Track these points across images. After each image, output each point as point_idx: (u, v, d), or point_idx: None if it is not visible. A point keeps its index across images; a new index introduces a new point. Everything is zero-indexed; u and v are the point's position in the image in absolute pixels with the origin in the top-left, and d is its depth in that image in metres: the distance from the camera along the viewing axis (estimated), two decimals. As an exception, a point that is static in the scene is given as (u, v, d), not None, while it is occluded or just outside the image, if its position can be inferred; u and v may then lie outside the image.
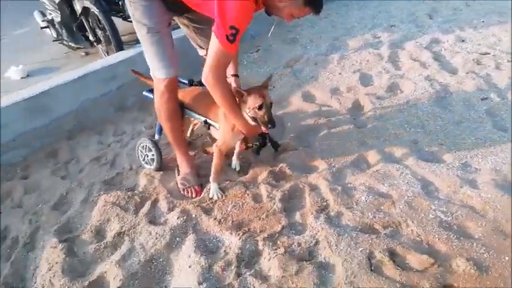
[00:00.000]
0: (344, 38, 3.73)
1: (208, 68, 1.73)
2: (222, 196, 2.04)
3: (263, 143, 2.19)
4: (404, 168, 2.08)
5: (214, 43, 1.67)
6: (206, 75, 1.75)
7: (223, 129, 1.99)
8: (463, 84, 2.77)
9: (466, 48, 3.23)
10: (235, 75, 2.10)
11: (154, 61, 1.97)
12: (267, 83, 1.93)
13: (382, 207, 1.87)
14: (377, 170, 2.10)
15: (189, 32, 2.21)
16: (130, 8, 1.91)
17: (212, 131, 2.14)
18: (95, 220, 1.99)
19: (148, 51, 1.96)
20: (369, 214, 1.83)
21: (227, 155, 2.18)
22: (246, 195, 2.01)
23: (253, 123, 1.88)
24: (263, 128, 1.85)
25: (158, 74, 1.98)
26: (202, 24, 2.08)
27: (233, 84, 2.04)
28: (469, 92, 2.68)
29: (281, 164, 2.20)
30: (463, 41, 3.36)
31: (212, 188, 2.07)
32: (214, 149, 2.03)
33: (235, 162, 2.27)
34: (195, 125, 2.46)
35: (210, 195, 2.06)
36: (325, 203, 1.93)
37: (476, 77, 2.81)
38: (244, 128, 1.90)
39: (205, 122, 2.09)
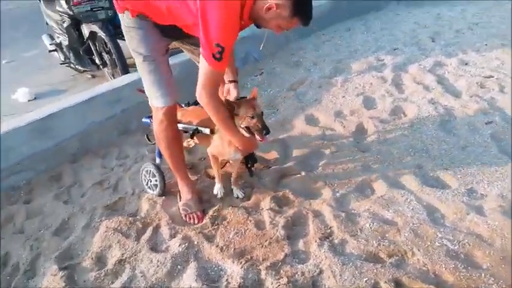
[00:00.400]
0: (347, 61, 3.76)
1: (201, 86, 1.74)
2: (222, 194, 2.20)
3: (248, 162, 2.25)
4: (409, 194, 2.06)
5: (203, 63, 1.69)
6: (199, 94, 1.77)
7: (220, 137, 2.01)
8: (467, 107, 2.76)
9: (469, 72, 3.23)
10: (234, 81, 2.08)
11: (151, 90, 1.96)
12: (255, 93, 1.94)
13: (387, 235, 1.84)
14: (381, 196, 2.08)
15: (192, 54, 2.22)
16: (127, 37, 1.92)
17: (201, 140, 2.20)
18: (96, 246, 1.97)
19: (146, 79, 1.96)
20: (374, 242, 1.80)
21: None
22: (249, 222, 1.99)
23: (248, 135, 1.89)
24: (258, 138, 1.86)
25: (156, 102, 1.98)
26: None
27: (232, 91, 2.05)
28: (473, 115, 2.67)
29: (284, 189, 2.19)
30: (466, 64, 3.37)
31: (216, 187, 2.21)
32: (208, 154, 2.12)
33: (235, 190, 2.24)
34: (189, 145, 2.45)
35: (214, 192, 2.21)
36: (329, 230, 1.90)
37: (481, 101, 2.80)
38: (241, 143, 1.90)
39: (197, 130, 2.10)
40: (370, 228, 1.88)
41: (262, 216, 2.04)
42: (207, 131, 2.07)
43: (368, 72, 3.47)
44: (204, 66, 1.69)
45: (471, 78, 3.12)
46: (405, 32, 4.33)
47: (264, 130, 1.84)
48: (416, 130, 2.62)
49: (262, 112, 1.89)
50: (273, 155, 2.56)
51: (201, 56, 1.68)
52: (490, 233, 1.78)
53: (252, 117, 1.84)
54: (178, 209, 2.16)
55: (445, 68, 3.37)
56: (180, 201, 2.19)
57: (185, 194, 2.19)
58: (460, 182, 2.12)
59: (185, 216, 2.12)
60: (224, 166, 2.34)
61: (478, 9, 4.90)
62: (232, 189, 2.24)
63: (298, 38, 4.44)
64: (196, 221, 2.09)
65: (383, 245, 1.78)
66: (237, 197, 2.22)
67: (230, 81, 2.07)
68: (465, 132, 2.52)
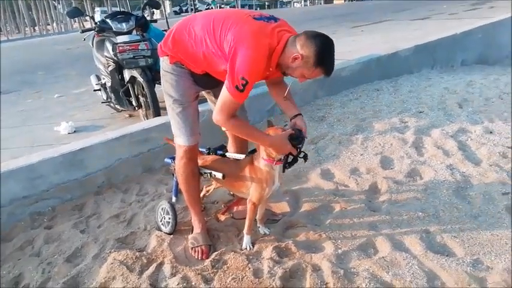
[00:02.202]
0: (371, 120, 3.82)
1: (218, 112, 1.90)
2: (251, 248, 2.19)
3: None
4: (411, 258, 2.03)
5: (224, 91, 1.87)
6: (215, 118, 1.92)
7: (256, 184, 2.12)
8: (486, 176, 2.72)
9: (493, 140, 3.20)
10: (300, 114, 2.14)
11: (176, 129, 2.18)
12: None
13: (382, 298, 1.82)
14: (383, 257, 2.06)
15: (213, 105, 2.40)
16: (162, 79, 2.17)
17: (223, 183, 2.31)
18: (101, 277, 2.07)
19: (172, 119, 2.19)
20: (368, 303, 1.78)
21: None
22: (247, 269, 2.03)
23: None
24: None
25: (179, 141, 2.19)
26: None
27: (300, 123, 2.08)
28: (490, 185, 2.62)
29: (287, 241, 2.22)
30: (490, 132, 3.34)
31: (245, 240, 2.22)
32: (248, 205, 2.16)
33: (262, 228, 2.34)
34: (208, 191, 2.57)
35: (243, 247, 2.20)
36: (324, 286, 1.90)
37: (500, 171, 2.76)
38: (273, 144, 1.98)
39: (210, 174, 2.25)
40: (366, 288, 1.86)
41: (261, 264, 2.07)
42: (219, 175, 2.20)
43: (390, 132, 3.51)
44: (224, 95, 1.87)
45: (493, 148, 3.08)
46: (433, 96, 4.36)
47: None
48: (430, 194, 2.60)
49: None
50: (283, 207, 2.62)
51: (223, 88, 1.87)
52: (490, 307, 1.72)
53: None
54: (187, 242, 2.27)
55: (468, 134, 3.36)
56: (191, 233, 2.31)
57: (196, 227, 2.32)
58: (466, 251, 2.07)
59: (191, 249, 2.23)
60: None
61: (513, 79, 4.87)
62: (258, 228, 2.34)
63: (326, 94, 4.58)
64: (200, 256, 2.18)
65: (377, 307, 1.76)
66: (264, 234, 2.31)
67: (296, 115, 2.12)
68: (480, 201, 2.48)
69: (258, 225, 2.35)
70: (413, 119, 3.76)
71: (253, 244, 2.23)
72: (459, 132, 3.41)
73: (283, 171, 2.16)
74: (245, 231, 2.22)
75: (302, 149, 2.09)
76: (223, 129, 2.39)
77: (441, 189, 2.64)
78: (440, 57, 5.88)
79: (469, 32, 6.30)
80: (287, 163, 2.11)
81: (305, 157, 2.11)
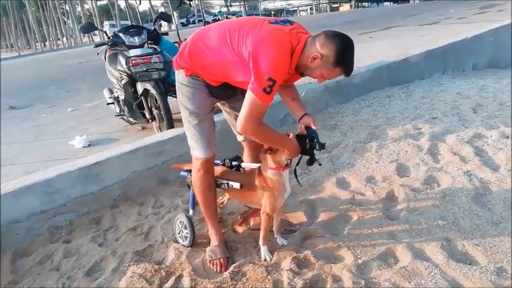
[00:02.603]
0: (384, 127, 3.80)
1: (246, 119, 1.83)
2: (271, 259, 2.17)
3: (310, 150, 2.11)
4: (433, 267, 2.00)
5: (249, 97, 1.82)
6: (244, 126, 1.85)
7: (267, 194, 2.12)
8: (505, 182, 2.68)
9: (510, 145, 3.15)
10: (307, 114, 2.16)
11: (192, 141, 2.20)
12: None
13: (406, 308, 1.79)
14: (404, 267, 2.03)
15: (230, 118, 2.42)
16: (178, 92, 2.18)
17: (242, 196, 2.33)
18: (120, 290, 2.07)
19: (188, 131, 2.20)
20: (391, 314, 1.75)
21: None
22: (267, 281, 2.02)
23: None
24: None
25: (195, 153, 2.20)
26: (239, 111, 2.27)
27: (308, 120, 2.10)
28: (510, 190, 2.58)
29: (306, 251, 2.20)
30: (507, 137, 3.30)
31: (262, 250, 2.21)
32: (261, 216, 2.16)
33: (279, 239, 2.32)
34: (222, 203, 2.57)
35: (262, 258, 2.19)
36: (346, 297, 1.88)
37: (519, 176, 2.72)
38: (293, 147, 2.02)
39: (227, 184, 2.26)
40: (389, 299, 1.83)
41: (281, 276, 2.06)
42: (237, 185, 2.21)
43: (404, 139, 3.48)
44: (250, 101, 1.81)
45: (511, 152, 3.04)
46: (446, 102, 4.33)
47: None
48: (449, 201, 2.57)
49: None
50: (299, 217, 2.60)
51: (248, 92, 1.83)
52: (518, 317, 1.68)
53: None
54: (204, 255, 2.26)
55: (484, 140, 3.32)
56: (209, 246, 2.30)
57: (213, 240, 2.31)
58: (489, 259, 2.03)
59: (209, 262, 2.22)
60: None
61: (527, 82, 4.82)
62: (276, 239, 2.32)
63: (338, 103, 4.57)
64: (219, 268, 2.17)
65: (400, 318, 1.73)
66: (282, 245, 2.29)
67: (304, 115, 2.13)
68: (500, 208, 2.44)
69: (275, 236, 2.33)
70: (427, 125, 3.73)
71: (287, 242, 2.26)
72: (475, 137, 3.38)
73: (311, 164, 2.13)
74: (261, 242, 2.22)
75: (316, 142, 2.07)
76: (239, 139, 2.40)
77: (460, 196, 2.61)
78: (451, 62, 5.86)
79: (479, 35, 6.28)
80: (308, 161, 2.11)
81: (322, 146, 2.08)
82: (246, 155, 2.47)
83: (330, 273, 2.04)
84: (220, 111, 2.51)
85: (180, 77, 2.14)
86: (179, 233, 2.43)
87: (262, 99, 1.80)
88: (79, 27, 4.37)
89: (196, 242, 2.41)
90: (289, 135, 2.04)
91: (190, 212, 2.46)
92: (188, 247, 2.36)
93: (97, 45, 4.26)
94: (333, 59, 1.82)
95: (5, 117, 6.18)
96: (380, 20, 13.31)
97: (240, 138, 2.42)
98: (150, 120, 4.05)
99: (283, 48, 1.82)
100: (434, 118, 3.90)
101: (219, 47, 1.96)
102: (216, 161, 2.40)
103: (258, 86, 1.78)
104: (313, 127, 2.07)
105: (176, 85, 2.18)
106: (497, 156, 3.05)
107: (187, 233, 2.37)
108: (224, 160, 2.43)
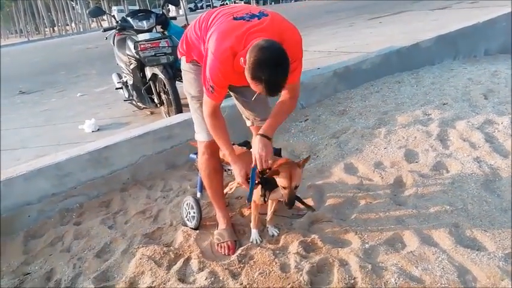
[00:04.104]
0: (393, 113, 3.77)
1: (203, 106, 2.01)
2: (260, 241, 2.22)
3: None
4: (441, 252, 2.00)
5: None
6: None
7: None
8: (515, 168, 2.66)
9: (521, 132, 3.12)
10: (263, 136, 2.02)
11: (196, 125, 2.24)
12: (304, 163, 2.01)
13: (412, 292, 1.80)
14: (412, 252, 2.04)
15: (238, 103, 2.42)
16: (183, 77, 2.25)
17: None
18: (130, 272, 2.11)
19: (193, 116, 2.25)
20: (397, 298, 1.77)
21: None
22: (274, 264, 2.04)
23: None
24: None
25: (199, 137, 2.24)
26: (247, 98, 2.27)
27: (255, 145, 1.97)
28: (520, 177, 2.56)
29: (313, 235, 2.22)
30: (519, 123, 3.25)
31: (252, 234, 2.26)
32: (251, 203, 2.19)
33: (271, 229, 2.32)
34: (231, 188, 2.59)
35: (251, 240, 2.24)
36: (352, 281, 1.89)
37: (530, 163, 2.69)
38: (232, 159, 2.05)
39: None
40: (396, 283, 1.84)
41: (288, 259, 2.07)
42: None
43: (413, 125, 3.45)
44: (204, 95, 1.97)
45: (522, 139, 3.00)
46: (457, 87, 4.27)
47: (287, 205, 1.95)
48: (457, 188, 2.55)
49: (297, 186, 1.95)
50: (308, 202, 2.60)
51: None
52: (525, 302, 1.68)
53: (284, 188, 1.94)
54: (212, 238, 2.29)
55: (495, 126, 3.27)
56: (217, 229, 2.33)
57: (221, 223, 2.34)
58: (498, 245, 2.03)
59: (217, 245, 2.25)
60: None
61: (540, 68, 4.73)
62: (267, 229, 2.32)
63: (346, 88, 4.53)
64: (227, 251, 2.20)
65: (407, 302, 1.74)
66: (273, 235, 2.29)
67: (260, 135, 1.98)
68: (509, 194, 2.42)
69: (267, 225, 2.33)
70: (437, 111, 3.69)
71: (279, 233, 2.29)
72: (485, 123, 3.33)
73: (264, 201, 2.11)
74: (252, 225, 2.27)
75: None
76: (248, 124, 2.41)
77: (469, 182, 2.59)
78: (462, 48, 5.74)
79: (491, 20, 6.13)
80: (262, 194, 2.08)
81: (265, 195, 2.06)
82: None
83: (337, 257, 2.06)
84: (230, 96, 2.50)
85: (182, 63, 2.22)
86: (186, 216, 2.46)
87: (208, 96, 1.93)
88: (87, 11, 4.35)
89: (205, 225, 2.44)
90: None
91: (198, 195, 2.49)
92: (196, 229, 2.38)
93: (105, 30, 4.25)
94: (248, 70, 1.70)
95: (15, 101, 6.24)
96: (390, 4, 13.06)
97: (248, 123, 2.42)
98: (158, 105, 4.06)
99: (221, 59, 1.81)
100: (444, 104, 3.85)
101: (203, 36, 1.99)
102: None
103: (204, 81, 1.91)
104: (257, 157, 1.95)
105: (182, 72, 2.24)
106: (507, 142, 3.01)
107: (194, 213, 2.40)
108: (233, 144, 2.43)
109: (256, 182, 2.03)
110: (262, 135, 1.96)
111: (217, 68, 1.83)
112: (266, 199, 2.09)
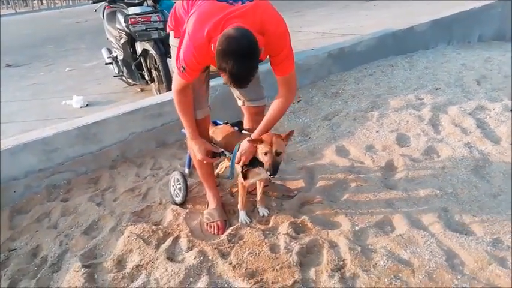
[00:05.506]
0: (386, 96, 3.75)
1: (172, 85, 2.03)
2: (249, 222, 2.21)
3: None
4: (430, 236, 2.02)
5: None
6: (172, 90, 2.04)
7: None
8: (505, 155, 2.67)
9: (512, 118, 3.12)
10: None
11: None
12: (287, 136, 1.99)
13: (400, 275, 1.81)
14: (401, 235, 2.05)
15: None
16: (171, 53, 2.21)
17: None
18: (118, 249, 2.09)
19: None
20: (385, 280, 1.78)
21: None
22: (264, 244, 2.03)
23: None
24: (267, 173, 1.96)
25: None
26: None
27: (243, 144, 2.02)
28: (510, 163, 2.58)
29: (303, 216, 2.21)
30: (510, 110, 3.26)
31: (240, 215, 2.24)
32: (238, 184, 2.19)
33: (261, 209, 2.31)
34: (221, 168, 2.56)
35: (239, 222, 2.22)
36: (341, 262, 1.90)
37: (520, 149, 2.70)
38: (192, 136, 2.10)
39: (223, 152, 2.20)
40: (384, 265, 1.85)
41: (278, 240, 2.07)
42: (230, 154, 2.16)
43: (406, 109, 3.44)
44: (175, 71, 1.98)
45: (513, 126, 3.01)
46: (450, 73, 4.26)
47: (269, 171, 1.92)
48: (448, 172, 2.56)
49: (279, 152, 1.93)
50: (298, 183, 2.60)
51: None
52: (510, 286, 1.71)
53: (265, 154, 1.92)
54: (202, 217, 2.28)
55: (487, 112, 3.28)
56: (207, 209, 2.31)
57: (211, 202, 2.32)
58: (486, 230, 2.05)
59: (207, 224, 2.23)
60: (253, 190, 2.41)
61: (533, 55, 4.73)
62: (257, 209, 2.32)
63: (340, 70, 4.49)
64: (216, 231, 2.19)
65: (394, 284, 1.75)
66: (263, 216, 2.28)
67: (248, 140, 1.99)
68: (499, 180, 2.44)
69: (257, 206, 2.33)
70: (429, 95, 3.68)
71: (269, 213, 2.29)
72: (477, 109, 3.34)
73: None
74: (239, 207, 2.26)
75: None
76: (239, 104, 2.36)
77: (459, 167, 2.60)
78: (457, 33, 5.71)
79: (487, 6, 6.08)
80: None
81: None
82: (246, 120, 2.43)
83: (326, 238, 2.06)
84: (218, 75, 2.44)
85: (171, 38, 2.18)
86: (174, 191, 2.43)
87: (179, 74, 1.91)
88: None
89: (195, 205, 2.41)
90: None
91: (186, 171, 2.47)
92: (182, 204, 2.37)
93: (94, 2, 4.11)
94: (216, 60, 1.69)
95: (1, 74, 6.07)
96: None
97: (239, 103, 2.37)
98: (149, 82, 3.98)
99: (196, 43, 1.79)
100: (437, 89, 3.84)
101: (190, 11, 1.94)
102: (219, 122, 2.38)
103: (176, 61, 1.91)
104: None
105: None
106: (498, 129, 3.02)
107: (180, 188, 2.38)
108: (226, 123, 2.40)
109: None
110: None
111: (191, 52, 1.82)
112: (247, 176, 2.10)
